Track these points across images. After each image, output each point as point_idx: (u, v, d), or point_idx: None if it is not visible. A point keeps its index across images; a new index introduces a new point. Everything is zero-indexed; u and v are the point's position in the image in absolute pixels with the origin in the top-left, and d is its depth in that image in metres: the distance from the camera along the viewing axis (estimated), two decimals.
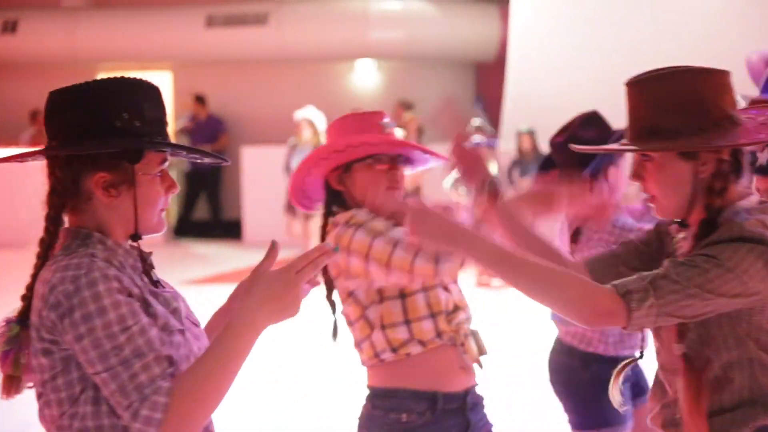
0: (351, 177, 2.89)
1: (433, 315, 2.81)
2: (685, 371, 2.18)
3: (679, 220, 2.25)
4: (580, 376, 3.68)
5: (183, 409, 1.87)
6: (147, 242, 2.13)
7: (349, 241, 2.75)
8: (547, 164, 3.85)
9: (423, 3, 14.92)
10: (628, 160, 3.78)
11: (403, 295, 2.80)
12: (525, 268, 2.13)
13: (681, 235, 2.26)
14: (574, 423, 3.74)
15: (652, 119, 2.17)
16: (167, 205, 2.11)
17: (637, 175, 2.24)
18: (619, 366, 2.36)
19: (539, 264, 2.15)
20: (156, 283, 2.07)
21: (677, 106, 2.15)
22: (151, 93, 2.05)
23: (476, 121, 12.75)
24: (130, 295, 1.93)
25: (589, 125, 3.64)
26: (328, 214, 2.92)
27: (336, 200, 2.92)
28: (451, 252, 2.20)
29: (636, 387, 3.78)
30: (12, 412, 5.21)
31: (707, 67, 2.22)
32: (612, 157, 3.66)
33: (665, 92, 2.17)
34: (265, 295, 1.92)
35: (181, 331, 2.01)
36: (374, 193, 2.86)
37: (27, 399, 2.01)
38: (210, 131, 15.36)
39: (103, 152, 1.99)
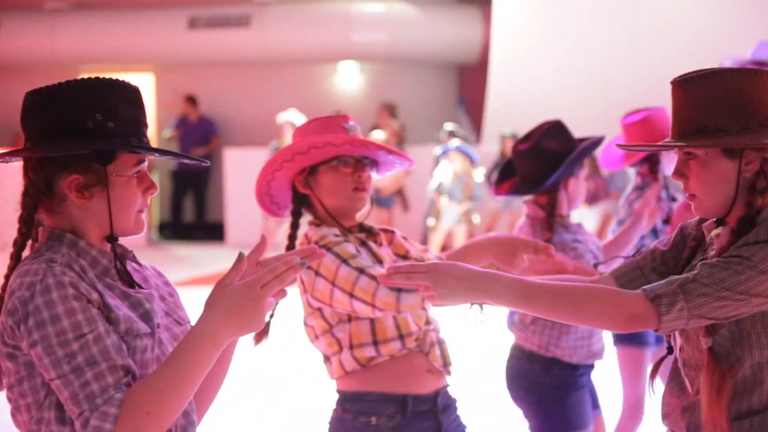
0: (316, 180, 2.86)
1: (401, 336, 2.80)
2: (709, 364, 2.19)
3: (716, 219, 2.27)
4: (541, 380, 3.66)
5: (134, 421, 1.83)
6: (129, 244, 2.11)
7: (318, 264, 2.73)
8: (507, 171, 3.86)
9: (405, 5, 14.93)
10: (586, 171, 3.82)
11: None
12: (550, 294, 2.13)
13: (715, 232, 2.27)
14: (537, 429, 3.72)
15: (699, 118, 2.20)
16: (146, 206, 2.09)
17: (679, 173, 2.26)
18: (654, 364, 2.36)
19: (562, 286, 2.16)
20: (132, 283, 2.05)
21: (724, 105, 2.18)
22: (128, 94, 2.03)
23: (449, 126, 12.77)
24: (89, 301, 1.90)
25: (553, 135, 3.66)
26: (295, 218, 2.89)
27: (303, 204, 2.90)
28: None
29: (591, 399, 3.79)
30: None
31: (755, 68, 2.25)
32: (573, 169, 3.69)
33: (713, 91, 2.19)
34: (228, 308, 1.88)
35: (150, 334, 1.99)
36: (340, 196, 2.85)
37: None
38: (201, 133, 15.23)
39: (74, 154, 1.97)
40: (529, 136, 3.70)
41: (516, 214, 12.51)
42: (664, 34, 12.85)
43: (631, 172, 5.09)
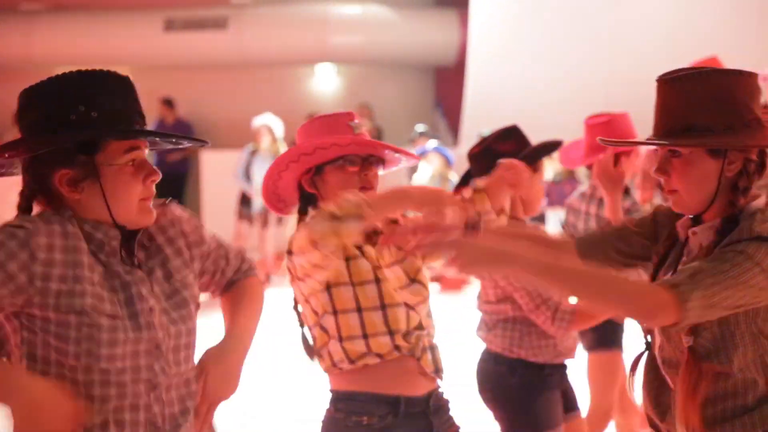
0: (323, 179, 2.83)
1: (391, 332, 2.78)
2: (688, 362, 2.21)
3: (693, 215, 2.30)
4: (507, 381, 3.66)
5: None
6: None
7: (292, 245, 2.71)
8: (466, 178, 3.88)
9: (382, 8, 14.93)
10: (542, 175, 3.82)
11: (360, 309, 2.77)
12: (575, 273, 2.15)
13: (692, 230, 2.30)
14: (506, 431, 3.70)
15: (687, 116, 2.22)
16: (151, 194, 2.06)
17: (662, 170, 2.28)
18: (633, 360, 2.37)
19: (584, 268, 2.19)
20: (134, 264, 2.05)
21: (711, 104, 2.20)
22: (112, 84, 2.01)
23: (420, 127, 12.77)
24: (32, 255, 1.90)
25: (506, 138, 3.69)
26: (302, 217, 2.86)
27: (309, 203, 2.87)
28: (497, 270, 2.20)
29: (566, 400, 3.79)
30: None
31: (740, 69, 2.28)
32: None
33: (700, 91, 2.21)
34: (43, 408, 1.88)
35: (122, 318, 1.98)
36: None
37: None
38: None
39: (59, 148, 1.96)
40: (483, 141, 3.76)
41: None
42: (640, 37, 12.91)
43: None
